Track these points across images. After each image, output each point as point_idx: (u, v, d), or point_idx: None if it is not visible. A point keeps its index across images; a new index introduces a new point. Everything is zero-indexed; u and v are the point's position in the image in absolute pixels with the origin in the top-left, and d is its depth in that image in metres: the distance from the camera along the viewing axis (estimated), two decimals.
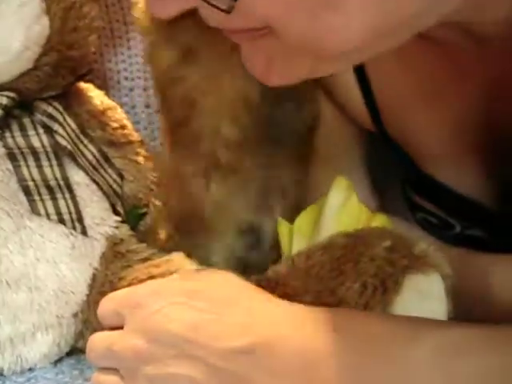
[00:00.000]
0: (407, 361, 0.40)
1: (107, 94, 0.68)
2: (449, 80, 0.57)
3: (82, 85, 0.64)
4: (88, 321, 0.56)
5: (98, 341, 0.50)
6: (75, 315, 0.56)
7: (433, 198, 0.64)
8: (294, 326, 0.43)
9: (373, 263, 0.48)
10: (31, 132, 0.57)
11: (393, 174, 0.69)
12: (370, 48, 0.42)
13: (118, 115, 0.65)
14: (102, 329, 0.51)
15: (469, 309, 0.49)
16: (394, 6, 0.39)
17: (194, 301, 0.46)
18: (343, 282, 0.48)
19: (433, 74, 0.57)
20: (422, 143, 0.62)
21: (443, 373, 0.40)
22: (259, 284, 0.50)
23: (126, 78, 0.76)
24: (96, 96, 0.65)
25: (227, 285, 0.47)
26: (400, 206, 0.66)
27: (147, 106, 0.76)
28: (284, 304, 0.46)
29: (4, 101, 0.55)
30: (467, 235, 0.63)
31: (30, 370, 0.55)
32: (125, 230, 0.61)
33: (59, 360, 0.57)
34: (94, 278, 0.57)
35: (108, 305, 0.51)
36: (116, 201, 0.61)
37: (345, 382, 0.40)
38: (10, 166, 0.55)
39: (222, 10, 0.39)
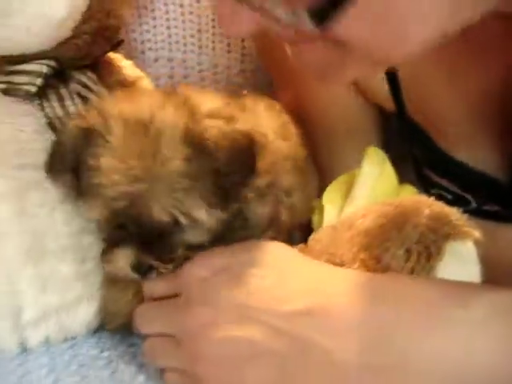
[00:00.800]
0: (460, 322, 0.43)
1: None
2: (472, 58, 0.59)
3: (112, 55, 0.65)
4: None
5: (149, 309, 0.52)
6: None
7: (449, 174, 0.67)
8: (349, 290, 0.46)
9: (416, 230, 0.50)
10: (68, 102, 0.58)
11: (405, 151, 0.71)
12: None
13: (147, 85, 0.67)
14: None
15: (498, 278, 0.52)
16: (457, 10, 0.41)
17: (253, 269, 0.48)
18: (388, 249, 0.50)
19: (457, 52, 0.58)
20: (441, 122, 0.65)
21: (496, 332, 0.42)
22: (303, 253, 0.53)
23: (150, 49, 0.76)
24: (126, 66, 0.66)
25: (282, 254, 0.50)
26: (413, 183, 0.69)
27: (171, 77, 0.76)
28: (336, 269, 0.49)
29: (44, 69, 0.57)
30: (483, 210, 0.66)
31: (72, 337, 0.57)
32: None
33: (99, 329, 0.58)
34: None
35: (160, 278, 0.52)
36: None
37: (401, 341, 0.43)
38: (52, 136, 0.56)
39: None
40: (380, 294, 0.45)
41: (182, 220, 0.48)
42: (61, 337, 0.56)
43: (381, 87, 0.66)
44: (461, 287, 0.46)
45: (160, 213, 0.48)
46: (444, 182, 0.68)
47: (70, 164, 0.50)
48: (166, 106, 0.49)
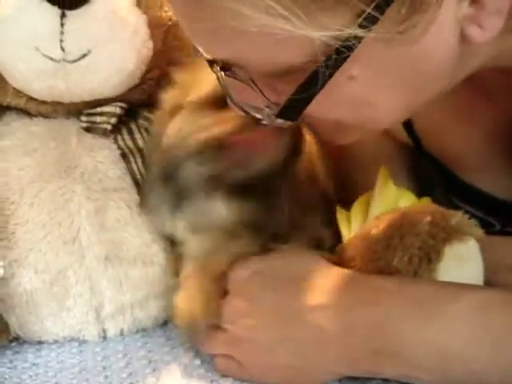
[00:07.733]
0: (448, 315, 0.57)
1: None
2: (477, 103, 0.74)
3: None
4: None
5: None
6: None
7: (471, 200, 0.81)
8: (354, 290, 0.63)
9: (417, 238, 0.64)
10: (137, 135, 0.78)
11: (436, 183, 0.87)
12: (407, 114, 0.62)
13: None
14: None
15: None
16: (420, 87, 0.56)
17: (278, 274, 0.67)
18: (394, 256, 0.65)
19: (463, 99, 0.74)
20: (457, 156, 0.80)
21: (477, 325, 0.56)
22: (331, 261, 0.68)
23: None
24: None
25: (300, 263, 0.67)
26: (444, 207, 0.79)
27: None
28: (345, 273, 0.65)
29: (118, 111, 0.77)
30: (507, 231, 0.80)
31: (143, 329, 0.77)
32: None
33: (165, 323, 0.79)
34: None
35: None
36: None
37: (398, 332, 0.59)
38: (124, 164, 0.76)
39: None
40: (380, 293, 0.61)
41: None
42: (134, 329, 0.76)
43: (401, 132, 0.83)
44: (449, 286, 0.61)
45: None
46: (468, 207, 0.81)
47: None
48: None
